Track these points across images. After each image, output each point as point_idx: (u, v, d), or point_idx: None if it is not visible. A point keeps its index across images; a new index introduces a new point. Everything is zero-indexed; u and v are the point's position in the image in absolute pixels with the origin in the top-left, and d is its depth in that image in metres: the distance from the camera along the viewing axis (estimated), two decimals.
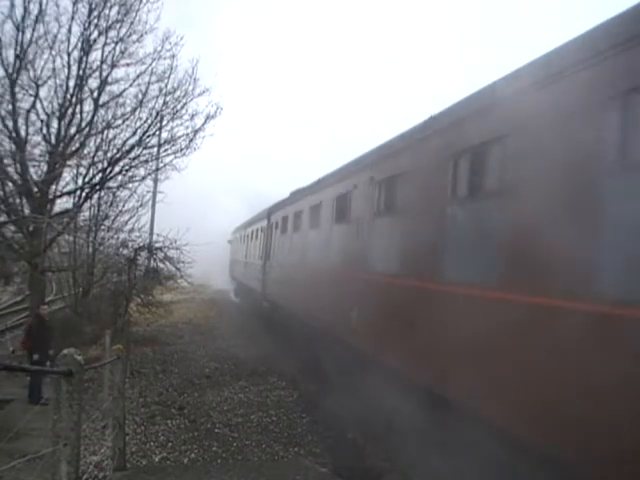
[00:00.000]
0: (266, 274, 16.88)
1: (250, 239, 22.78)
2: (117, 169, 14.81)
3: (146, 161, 15.32)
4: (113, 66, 14.32)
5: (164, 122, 15.19)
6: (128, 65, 14.62)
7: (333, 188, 9.81)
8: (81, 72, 14.00)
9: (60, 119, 14.14)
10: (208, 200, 46.27)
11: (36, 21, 13.42)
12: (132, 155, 14.80)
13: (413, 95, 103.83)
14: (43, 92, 14.06)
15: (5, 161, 13.78)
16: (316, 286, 10.22)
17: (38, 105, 14.00)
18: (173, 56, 14.69)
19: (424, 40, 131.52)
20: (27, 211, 13.88)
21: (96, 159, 14.81)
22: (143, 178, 16.00)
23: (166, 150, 15.41)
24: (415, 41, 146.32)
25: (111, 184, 15.46)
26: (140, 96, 14.70)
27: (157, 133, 15.35)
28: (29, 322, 11.58)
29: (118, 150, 14.62)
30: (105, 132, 14.91)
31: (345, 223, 8.85)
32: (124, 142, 14.72)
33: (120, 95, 14.81)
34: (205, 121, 15.10)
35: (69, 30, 13.80)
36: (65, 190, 15.01)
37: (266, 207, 19.33)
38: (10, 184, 13.75)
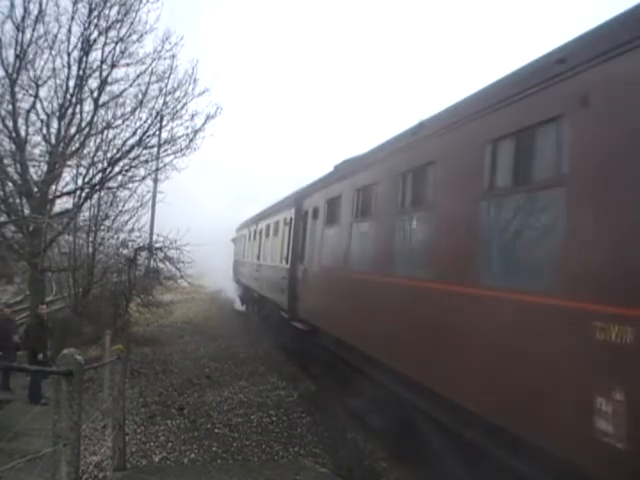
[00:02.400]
0: (297, 283, 12.16)
1: (266, 235, 17.87)
2: (117, 169, 14.81)
3: (146, 161, 15.32)
4: (113, 66, 14.31)
5: (164, 122, 15.22)
6: (128, 65, 14.63)
7: (470, 127, 5.11)
8: (81, 72, 14.00)
9: (60, 119, 14.15)
10: (201, 199, 45.61)
11: (36, 21, 13.41)
12: (132, 155, 14.80)
13: (411, 96, 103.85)
14: (43, 92, 14.08)
15: (5, 161, 13.79)
16: (435, 318, 5.36)
17: (38, 105, 14.03)
18: (173, 56, 14.70)
19: (422, 38, 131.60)
20: (27, 211, 13.88)
21: (96, 159, 14.84)
22: (143, 178, 16.01)
23: (166, 150, 15.43)
24: (414, 39, 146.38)
25: (111, 184, 15.49)
26: (140, 96, 14.71)
27: (157, 133, 15.37)
28: (28, 322, 11.60)
29: (118, 150, 14.63)
30: (105, 132, 14.94)
31: (530, 192, 4.29)
32: (124, 142, 14.74)
33: (120, 95, 14.83)
34: (205, 121, 15.13)
35: (69, 30, 13.80)
36: (65, 190, 15.04)
37: (292, 192, 14.85)
38: (10, 184, 13.76)
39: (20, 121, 13.83)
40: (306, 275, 11.35)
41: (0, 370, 10.48)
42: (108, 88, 14.58)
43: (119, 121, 14.82)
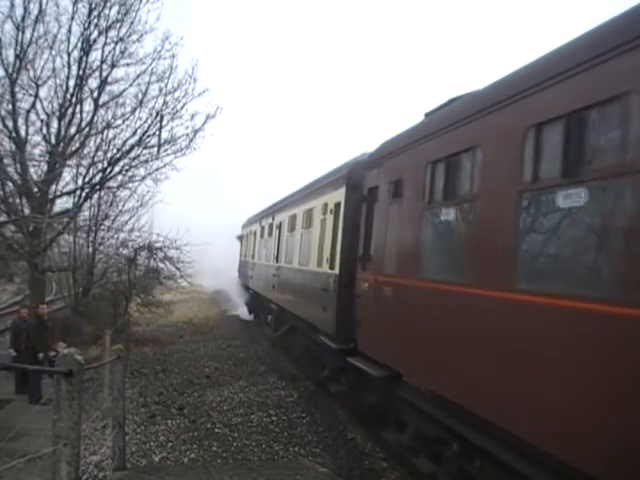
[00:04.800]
0: (356, 299, 8.09)
1: (289, 230, 13.96)
2: (117, 169, 14.89)
3: (146, 161, 15.36)
4: (113, 66, 14.34)
5: (164, 122, 15.22)
6: (128, 65, 14.66)
7: None
8: (81, 72, 14.03)
9: (60, 119, 14.17)
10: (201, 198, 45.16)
11: (36, 21, 13.45)
12: (132, 155, 14.87)
13: (410, 95, 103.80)
14: (43, 92, 14.13)
15: (5, 161, 13.80)
16: None
17: (38, 105, 14.07)
18: (173, 56, 14.75)
19: (422, 36, 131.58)
20: (27, 211, 13.89)
21: (96, 159, 14.89)
22: (143, 178, 16.03)
23: (166, 150, 15.44)
24: (414, 37, 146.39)
25: (111, 184, 15.54)
26: (140, 96, 14.75)
27: (157, 133, 15.36)
28: (28, 322, 11.58)
29: (118, 150, 14.68)
30: (105, 132, 14.98)
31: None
32: (124, 142, 14.79)
33: (120, 95, 14.86)
34: (205, 121, 15.17)
35: (69, 30, 13.85)
36: (65, 190, 15.07)
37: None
38: (10, 184, 13.78)
39: (20, 121, 13.91)
40: (378, 289, 7.23)
41: (4, 370, 10.46)
42: (108, 88, 14.65)
43: (119, 121, 14.89)
